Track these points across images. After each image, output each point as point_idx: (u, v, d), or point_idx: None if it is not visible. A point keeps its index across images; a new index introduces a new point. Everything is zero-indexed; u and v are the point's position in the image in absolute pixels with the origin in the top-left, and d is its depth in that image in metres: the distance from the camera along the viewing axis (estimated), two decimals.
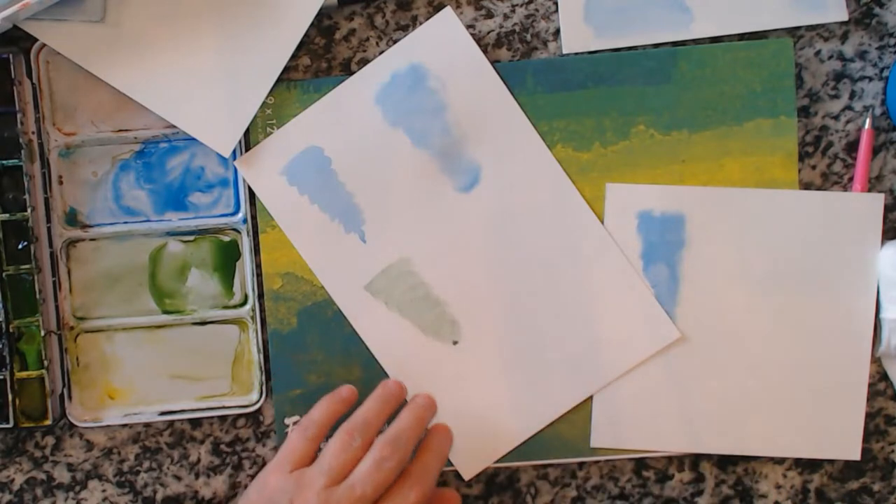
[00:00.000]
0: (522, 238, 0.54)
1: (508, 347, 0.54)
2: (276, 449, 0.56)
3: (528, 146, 0.54)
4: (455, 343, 0.54)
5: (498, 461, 0.55)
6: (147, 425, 0.56)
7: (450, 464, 0.55)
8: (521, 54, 0.55)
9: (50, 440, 0.56)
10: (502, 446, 0.55)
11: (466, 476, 0.55)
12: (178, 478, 0.56)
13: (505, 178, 0.54)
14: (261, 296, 0.55)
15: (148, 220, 0.55)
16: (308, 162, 0.54)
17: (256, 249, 0.55)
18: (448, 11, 0.53)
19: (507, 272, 0.54)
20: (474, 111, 0.53)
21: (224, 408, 0.55)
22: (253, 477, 0.56)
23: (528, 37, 0.55)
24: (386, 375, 0.54)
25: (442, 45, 0.53)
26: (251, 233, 0.55)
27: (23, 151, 0.53)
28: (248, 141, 0.54)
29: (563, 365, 0.54)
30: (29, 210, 0.53)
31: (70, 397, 0.55)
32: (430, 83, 0.53)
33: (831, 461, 0.55)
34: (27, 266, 0.53)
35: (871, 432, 0.55)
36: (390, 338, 0.55)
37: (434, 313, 0.54)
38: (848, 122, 0.55)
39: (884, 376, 0.55)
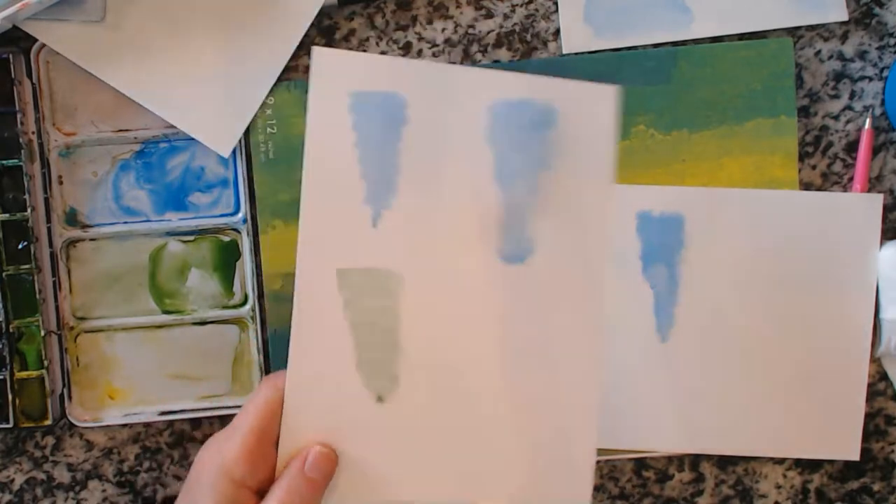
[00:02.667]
0: (522, 345, 0.46)
1: (431, 444, 0.46)
2: None
3: (590, 257, 0.46)
4: (379, 400, 0.46)
5: None
6: (147, 425, 0.56)
7: None
8: (521, 54, 0.55)
9: (50, 440, 0.56)
10: None
11: None
12: (178, 478, 0.56)
13: (548, 271, 0.46)
14: (261, 296, 0.55)
15: (148, 220, 0.55)
16: (384, 105, 0.46)
17: (256, 249, 0.55)
18: (614, 90, 0.45)
19: (484, 368, 0.46)
20: (569, 190, 0.46)
21: (224, 408, 0.55)
22: None
23: (528, 37, 0.55)
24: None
25: (587, 112, 0.46)
26: (251, 233, 0.55)
27: (23, 151, 0.53)
28: (248, 142, 0.54)
29: (468, 483, 0.47)
30: (29, 210, 0.53)
31: (70, 397, 0.55)
32: (550, 133, 0.46)
33: (831, 461, 0.55)
34: (27, 266, 0.53)
35: (871, 432, 0.55)
36: (320, 345, 0.45)
37: (382, 355, 0.46)
38: (848, 122, 0.55)
39: (884, 376, 0.55)
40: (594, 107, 0.46)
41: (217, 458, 0.44)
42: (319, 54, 0.45)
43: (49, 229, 0.54)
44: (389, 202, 0.45)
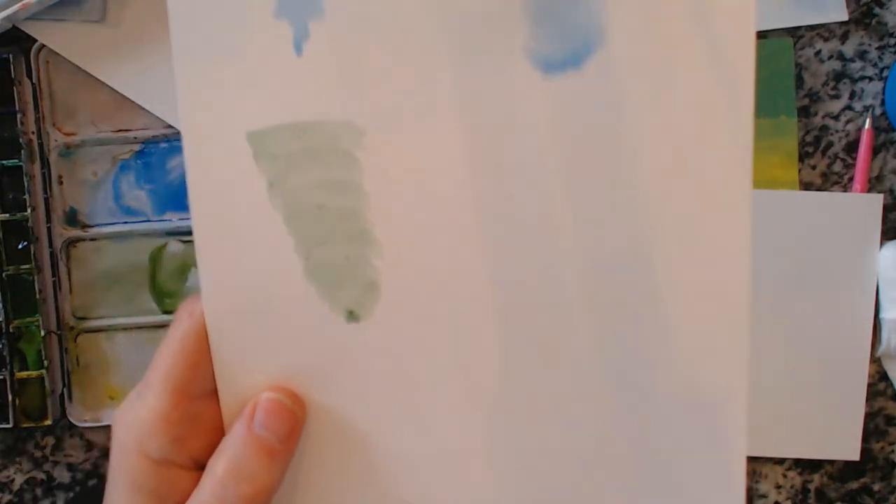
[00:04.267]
0: (589, 220, 0.28)
1: (424, 371, 0.29)
2: None
3: (715, 35, 0.27)
4: (351, 318, 0.29)
5: None
6: None
7: None
8: None
9: (50, 440, 0.56)
10: None
11: None
12: None
13: (631, 79, 0.27)
14: None
15: (148, 220, 0.55)
16: None
17: None
18: None
19: (519, 262, 0.28)
20: None
21: None
22: None
23: None
24: None
25: None
26: None
27: (23, 151, 0.53)
28: None
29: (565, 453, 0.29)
30: (29, 210, 0.53)
31: (70, 397, 0.55)
32: None
33: (831, 461, 0.55)
34: (27, 266, 0.53)
35: (871, 432, 0.55)
36: (242, 254, 0.29)
37: (345, 252, 0.29)
38: (848, 122, 0.55)
39: (884, 376, 0.55)
40: None
41: (125, 430, 0.30)
42: None
43: (49, 229, 0.54)
44: (319, 7, 0.27)
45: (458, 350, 0.29)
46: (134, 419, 0.30)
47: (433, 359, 0.29)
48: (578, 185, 0.27)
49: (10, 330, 0.53)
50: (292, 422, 0.30)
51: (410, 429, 0.29)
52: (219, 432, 0.30)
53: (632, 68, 0.27)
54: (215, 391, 0.30)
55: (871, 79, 0.55)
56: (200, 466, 0.30)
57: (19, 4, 0.50)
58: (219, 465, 0.29)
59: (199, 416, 0.30)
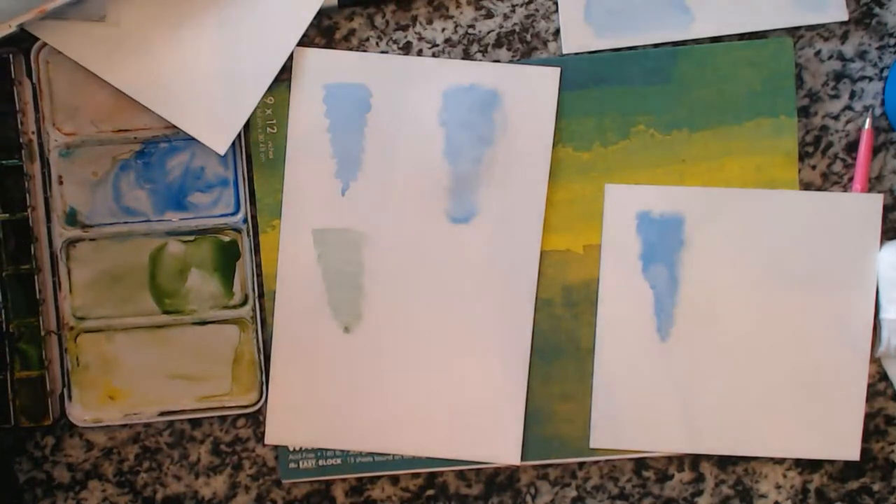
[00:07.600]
0: (465, 293, 0.54)
1: (383, 365, 0.55)
2: (276, 449, 0.56)
3: (527, 219, 0.54)
4: (346, 331, 0.54)
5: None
6: (147, 425, 0.56)
7: (454, 463, 0.55)
8: (521, 54, 0.55)
9: (50, 440, 0.56)
10: (322, 439, 0.55)
11: (268, 439, 0.55)
12: (178, 478, 0.56)
13: (489, 234, 0.54)
14: (261, 296, 0.55)
15: (148, 220, 0.55)
16: (352, 95, 0.54)
17: (256, 249, 0.55)
18: (556, 72, 0.53)
19: (431, 311, 0.54)
20: (509, 165, 0.54)
21: (224, 408, 0.55)
22: (253, 477, 0.56)
23: (528, 37, 0.55)
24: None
25: (530, 93, 0.53)
26: (251, 233, 0.55)
27: (23, 151, 0.53)
28: (248, 141, 0.54)
29: (409, 413, 0.55)
30: (29, 210, 0.53)
31: (70, 397, 0.55)
32: (494, 114, 0.54)
33: (831, 461, 0.55)
34: (27, 266, 0.53)
35: (871, 432, 0.55)
36: (299, 289, 0.54)
37: (347, 296, 0.54)
38: (848, 122, 0.55)
39: (884, 376, 0.55)
40: (536, 88, 0.54)
41: None
42: (298, 52, 0.54)
43: (49, 229, 0.54)
44: (356, 175, 0.54)
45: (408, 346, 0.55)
46: None
47: (387, 357, 0.55)
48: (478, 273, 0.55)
49: (10, 330, 0.53)
50: None
51: (375, 391, 0.55)
52: None
53: (493, 227, 0.54)
54: None
55: (871, 79, 0.55)
56: None
57: (36, 10, 0.50)
58: None
59: None
